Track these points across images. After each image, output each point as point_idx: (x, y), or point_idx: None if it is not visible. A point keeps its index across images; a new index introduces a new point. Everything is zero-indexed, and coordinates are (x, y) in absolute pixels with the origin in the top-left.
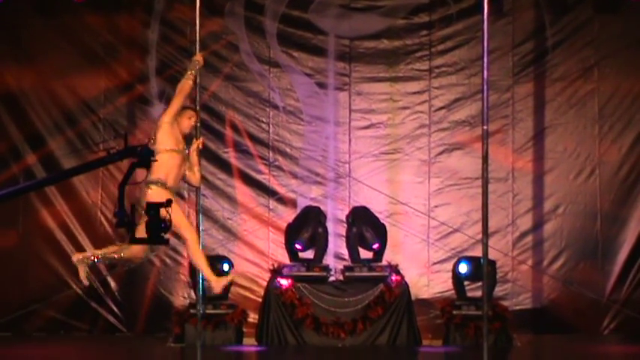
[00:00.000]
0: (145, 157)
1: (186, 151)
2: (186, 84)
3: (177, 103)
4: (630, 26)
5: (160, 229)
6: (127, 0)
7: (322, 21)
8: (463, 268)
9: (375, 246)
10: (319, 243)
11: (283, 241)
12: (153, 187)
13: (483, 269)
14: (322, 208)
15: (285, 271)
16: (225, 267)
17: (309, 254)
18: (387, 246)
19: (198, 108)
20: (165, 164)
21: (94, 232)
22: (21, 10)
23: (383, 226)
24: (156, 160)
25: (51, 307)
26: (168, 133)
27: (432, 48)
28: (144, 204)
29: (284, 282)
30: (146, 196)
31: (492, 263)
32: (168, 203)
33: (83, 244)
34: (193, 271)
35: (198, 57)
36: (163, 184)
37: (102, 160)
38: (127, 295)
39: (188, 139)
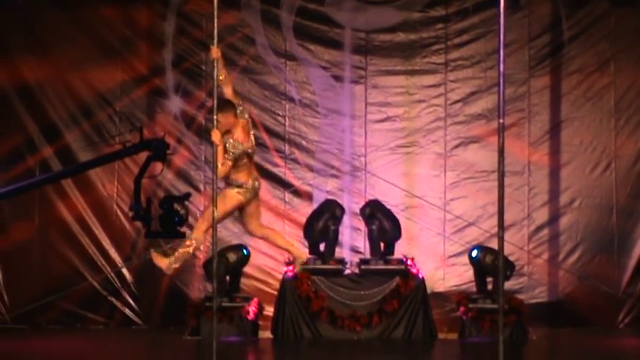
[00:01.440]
0: (160, 150)
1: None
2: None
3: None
4: None
5: (174, 223)
6: None
7: (338, 14)
8: (474, 252)
9: (396, 239)
10: (329, 237)
11: (299, 234)
12: None
13: (499, 263)
14: (339, 201)
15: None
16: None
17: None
18: (403, 239)
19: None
20: None
21: (110, 225)
22: (37, 2)
23: (397, 219)
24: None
25: (67, 300)
26: None
27: (448, 41)
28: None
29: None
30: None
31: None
32: (185, 197)
33: (99, 237)
34: (209, 263)
35: (214, 52)
36: None
37: (118, 154)
38: (143, 288)
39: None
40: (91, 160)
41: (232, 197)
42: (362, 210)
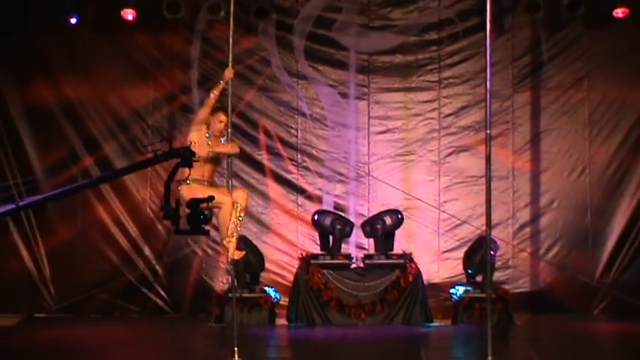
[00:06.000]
0: (186, 157)
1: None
2: (210, 97)
3: (201, 114)
4: (617, 41)
5: (199, 221)
6: (171, 20)
7: (344, 38)
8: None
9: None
10: (335, 233)
11: (311, 233)
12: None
13: (486, 257)
14: (344, 204)
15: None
16: None
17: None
18: (402, 236)
19: (230, 115)
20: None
21: (143, 226)
22: (78, 29)
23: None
24: (197, 161)
25: (106, 292)
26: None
27: (441, 62)
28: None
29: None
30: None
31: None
32: (209, 199)
33: (134, 237)
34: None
35: (228, 71)
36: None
37: (149, 161)
38: (173, 281)
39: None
40: (126, 167)
41: None
42: (363, 227)
